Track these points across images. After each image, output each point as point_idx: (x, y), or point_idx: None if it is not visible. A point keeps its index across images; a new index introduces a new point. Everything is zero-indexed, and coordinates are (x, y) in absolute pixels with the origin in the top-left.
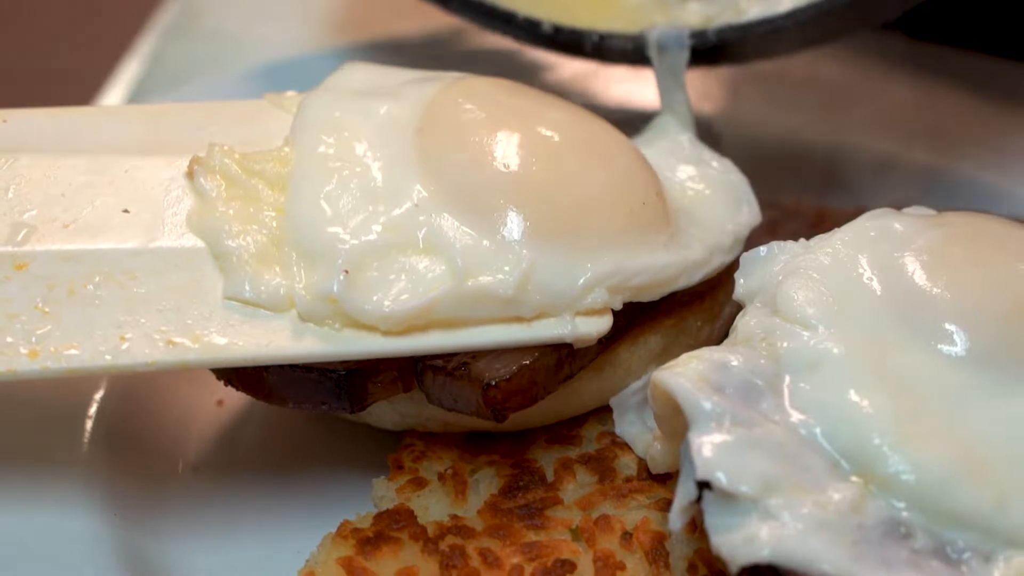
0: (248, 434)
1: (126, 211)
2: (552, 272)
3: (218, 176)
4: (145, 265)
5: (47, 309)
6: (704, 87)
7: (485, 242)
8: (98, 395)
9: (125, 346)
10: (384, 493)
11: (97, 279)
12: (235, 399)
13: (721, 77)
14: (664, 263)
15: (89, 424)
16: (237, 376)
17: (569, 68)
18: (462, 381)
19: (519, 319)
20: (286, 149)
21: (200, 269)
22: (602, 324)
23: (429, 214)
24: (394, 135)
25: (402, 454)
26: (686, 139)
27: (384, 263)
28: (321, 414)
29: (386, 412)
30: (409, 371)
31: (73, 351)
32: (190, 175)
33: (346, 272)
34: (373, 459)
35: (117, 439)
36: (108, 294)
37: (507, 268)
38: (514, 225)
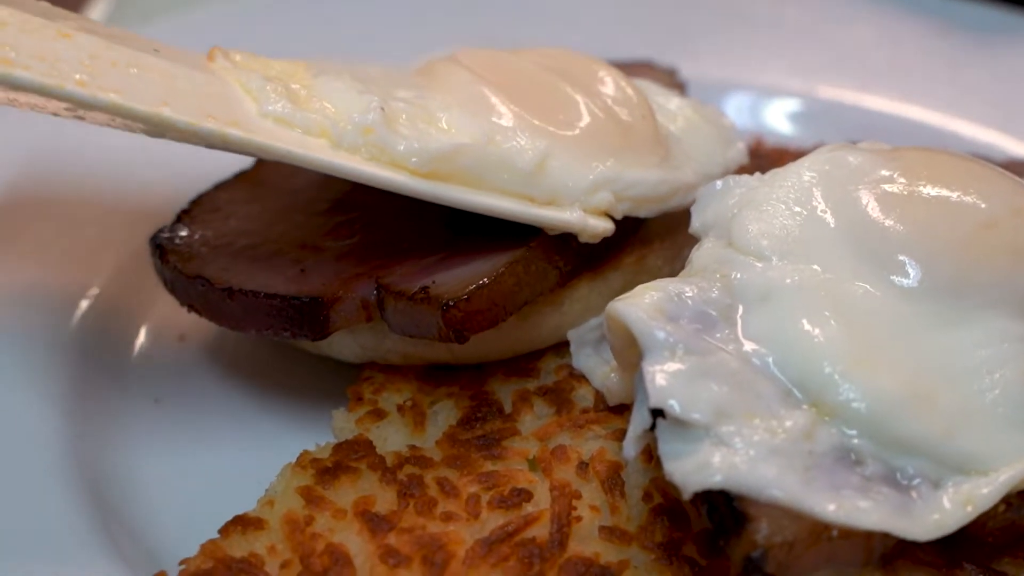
0: (209, 368)
1: (156, 51)
2: (564, 165)
3: (239, 59)
4: (182, 75)
5: (91, 67)
6: (667, 31)
7: (503, 127)
8: (63, 326)
9: (167, 107)
10: (343, 424)
11: (137, 69)
12: (197, 334)
13: (685, 20)
14: (659, 179)
15: (51, 356)
16: (201, 301)
17: None
18: (422, 305)
19: (533, 200)
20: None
21: (234, 92)
22: (608, 224)
23: (448, 109)
24: (396, 77)
25: (362, 386)
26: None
27: (413, 120)
28: (283, 342)
29: (347, 344)
30: (370, 300)
31: (118, 94)
32: (211, 59)
33: (382, 109)
34: (333, 392)
35: (78, 374)
36: (149, 77)
37: (526, 145)
38: (521, 123)
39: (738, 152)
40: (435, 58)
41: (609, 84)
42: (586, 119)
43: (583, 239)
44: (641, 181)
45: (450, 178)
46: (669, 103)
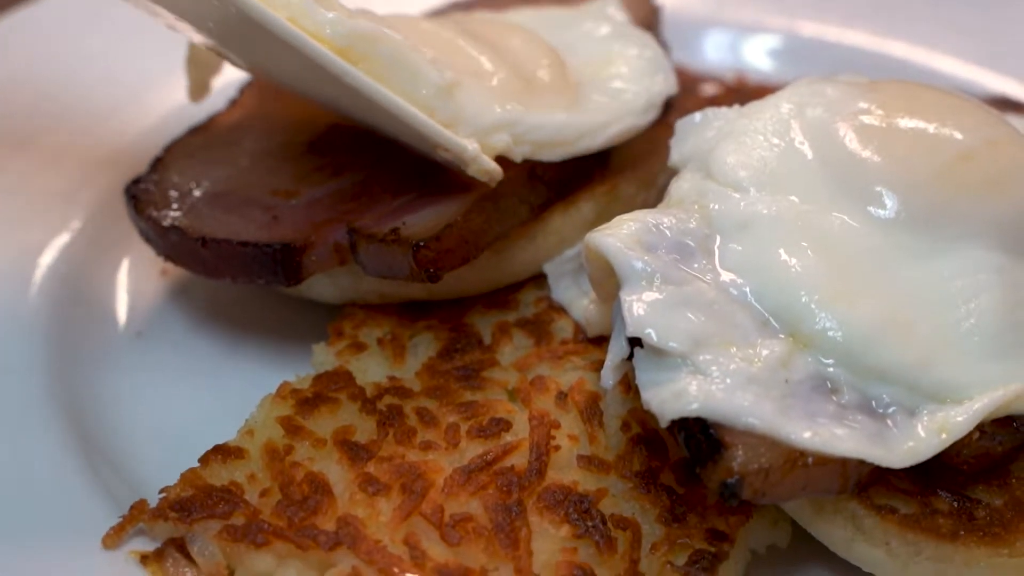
0: (191, 302)
1: None
2: (470, 99)
3: None
4: None
5: None
6: None
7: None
8: (45, 260)
9: None
10: (324, 358)
11: None
12: (179, 268)
13: None
14: (562, 123)
15: (33, 290)
16: (176, 251)
17: None
18: (393, 246)
19: (434, 116)
20: None
21: None
22: (496, 167)
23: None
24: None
25: (342, 322)
26: (616, 16)
27: (338, 11)
28: (259, 287)
29: (325, 286)
30: (343, 244)
31: None
32: None
33: None
34: (314, 328)
35: (60, 308)
36: None
37: (440, 70)
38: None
39: (664, 81)
40: None
41: (518, 41)
42: (493, 72)
43: (469, 172)
44: (543, 125)
45: (361, 62)
46: (596, 34)
